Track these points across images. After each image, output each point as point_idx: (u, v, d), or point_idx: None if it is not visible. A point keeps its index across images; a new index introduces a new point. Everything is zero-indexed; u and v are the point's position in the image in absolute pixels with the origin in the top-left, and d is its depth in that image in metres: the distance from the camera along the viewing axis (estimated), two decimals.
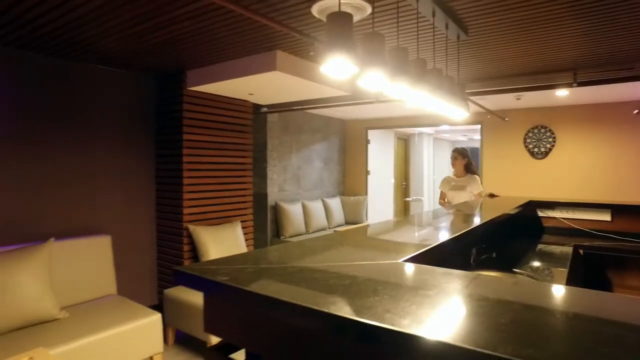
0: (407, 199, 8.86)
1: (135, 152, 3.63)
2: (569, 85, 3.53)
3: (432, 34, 2.45)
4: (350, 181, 7.36)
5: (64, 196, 3.20)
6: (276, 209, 5.55)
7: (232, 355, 1.12)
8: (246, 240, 4.06)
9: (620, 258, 2.80)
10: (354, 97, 4.17)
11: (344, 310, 0.79)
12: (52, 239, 2.86)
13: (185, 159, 3.54)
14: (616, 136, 5.16)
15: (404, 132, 8.87)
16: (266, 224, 5.42)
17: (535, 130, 5.66)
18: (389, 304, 0.82)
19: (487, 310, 0.79)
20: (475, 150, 10.34)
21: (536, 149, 5.66)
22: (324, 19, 2.16)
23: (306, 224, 5.90)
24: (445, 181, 4.45)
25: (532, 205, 3.48)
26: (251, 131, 4.17)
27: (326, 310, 0.79)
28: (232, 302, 1.03)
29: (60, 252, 2.98)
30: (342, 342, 0.82)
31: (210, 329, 1.12)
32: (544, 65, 3.31)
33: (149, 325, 2.82)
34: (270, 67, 2.86)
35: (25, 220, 3.01)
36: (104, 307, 2.96)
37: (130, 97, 3.58)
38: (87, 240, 3.18)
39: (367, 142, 7.25)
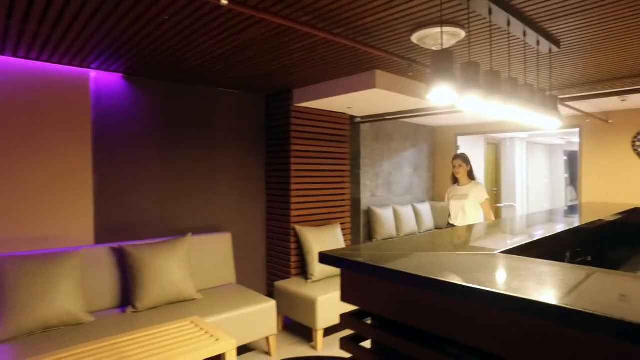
0: (499, 204, 8.67)
1: (248, 162, 4.20)
2: None
3: (523, 50, 2.62)
4: (439, 187, 7.46)
5: (194, 199, 3.83)
6: (369, 213, 5.89)
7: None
8: (345, 241, 4.44)
9: None
10: (446, 107, 4.37)
11: (455, 279, 1.10)
12: (190, 234, 3.49)
13: (292, 167, 4.03)
14: None
15: (495, 137, 8.71)
16: (359, 227, 5.77)
17: None
18: (488, 277, 1.11)
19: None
20: (574, 154, 9.77)
21: None
22: (421, 45, 2.46)
23: (397, 228, 6.15)
24: (448, 193, 4.20)
25: (638, 213, 3.41)
26: (348, 141, 4.58)
27: (442, 279, 1.10)
28: (367, 276, 1.38)
29: (194, 245, 3.59)
30: (451, 304, 1.12)
31: (345, 298, 1.48)
32: None
33: (266, 310, 3.30)
34: (370, 85, 3.21)
35: (167, 218, 3.67)
36: (228, 293, 3.51)
37: (244, 114, 4.17)
38: (212, 236, 3.78)
39: (457, 148, 7.30)
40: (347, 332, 1.46)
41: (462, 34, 2.29)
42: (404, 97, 3.46)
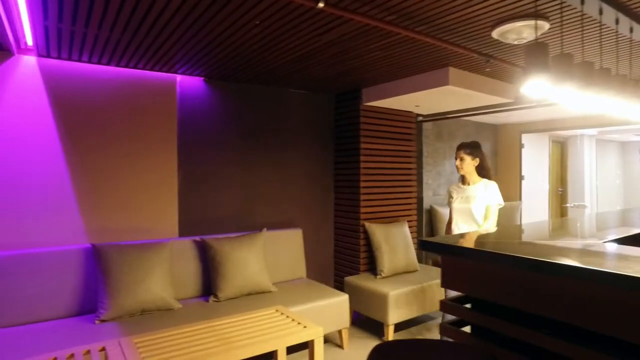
0: (567, 204, 8.29)
1: (317, 160, 4.33)
2: None
3: (615, 38, 2.55)
4: (501, 186, 7.25)
5: (267, 195, 4.00)
6: (431, 212, 5.85)
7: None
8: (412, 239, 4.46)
9: None
10: (517, 103, 4.28)
11: (566, 261, 1.13)
12: (265, 229, 3.66)
13: (362, 165, 4.11)
14: None
15: (560, 134, 8.34)
16: (422, 224, 5.75)
17: None
18: (596, 260, 1.13)
19: None
20: None
21: None
22: (502, 39, 2.45)
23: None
24: (449, 193, 3.40)
25: None
26: (415, 139, 4.59)
27: (553, 261, 1.13)
28: (472, 261, 1.43)
29: (267, 239, 3.75)
30: (560, 285, 1.15)
31: (446, 284, 1.53)
32: None
33: (339, 304, 3.39)
34: (443, 82, 3.23)
35: (243, 214, 3.87)
36: (300, 286, 3.64)
37: (313, 113, 4.30)
38: (285, 232, 3.92)
39: (521, 146, 7.08)
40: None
41: (547, 26, 2.27)
42: (475, 93, 3.44)
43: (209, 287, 3.39)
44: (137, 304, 2.88)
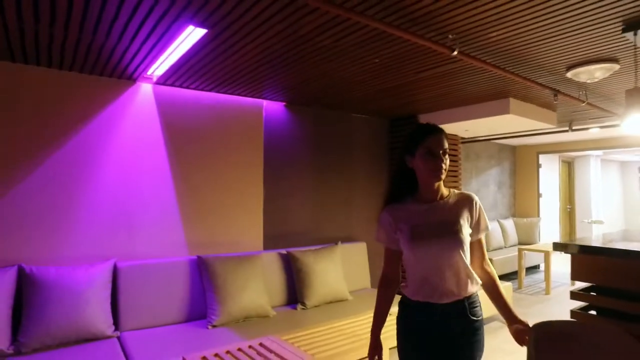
0: (585, 220, 8.77)
1: (375, 179, 4.71)
2: None
3: None
4: (520, 203, 7.73)
5: (334, 212, 4.36)
6: None
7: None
8: None
9: None
10: (554, 128, 4.73)
11: None
12: (340, 242, 4.00)
13: None
14: None
15: (569, 155, 8.90)
16: None
17: None
18: None
19: None
20: None
21: None
22: (575, 78, 2.89)
23: (486, 243, 6.47)
24: (388, 216, 1.68)
25: None
26: (459, 159, 5.02)
27: None
28: (596, 256, 1.81)
29: (340, 252, 4.09)
30: None
31: (576, 277, 1.91)
32: None
33: None
34: (505, 110, 3.66)
35: (316, 229, 4.21)
36: (371, 295, 3.96)
37: (371, 135, 4.70)
38: (353, 245, 4.27)
39: (539, 166, 7.59)
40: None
41: (616, 66, 2.71)
42: (529, 121, 3.89)
43: (293, 295, 3.68)
44: (242, 311, 3.16)
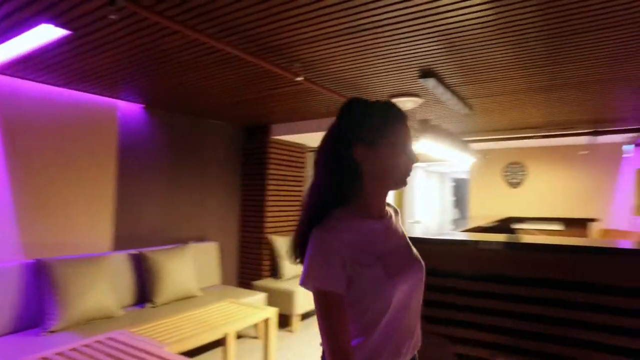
0: (410, 220, 10.32)
1: (228, 182, 4.97)
2: (539, 137, 5.11)
3: (450, 110, 3.94)
4: None
5: (188, 213, 4.49)
6: None
7: None
8: None
9: None
10: None
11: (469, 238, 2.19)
12: (192, 242, 4.16)
13: (268, 187, 4.94)
14: (568, 169, 6.77)
15: None
16: None
17: (511, 166, 7.26)
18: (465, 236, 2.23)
19: None
20: (460, 181, 11.96)
21: (513, 180, 7.24)
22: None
23: None
24: (338, 244, 1.02)
25: (508, 221, 4.97)
26: (305, 166, 5.59)
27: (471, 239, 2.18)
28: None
29: (192, 251, 4.24)
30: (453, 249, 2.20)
31: None
32: (523, 123, 4.88)
33: (260, 299, 4.10)
34: None
35: (169, 229, 4.28)
36: (221, 290, 4.23)
37: (226, 141, 4.94)
38: (204, 245, 4.46)
39: None
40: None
41: (421, 101, 3.49)
42: None
43: (144, 295, 3.72)
44: (85, 313, 3.09)
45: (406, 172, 1.11)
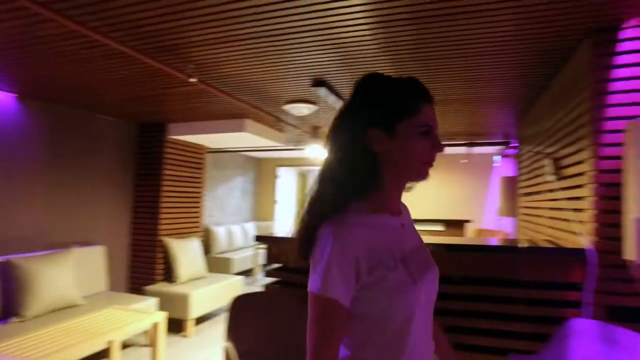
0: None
1: (119, 183, 4.67)
2: None
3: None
4: (260, 209, 8.82)
5: (72, 215, 4.14)
6: (207, 231, 6.77)
7: None
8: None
9: None
10: (283, 146, 5.71)
11: None
12: (75, 247, 3.84)
13: (163, 188, 4.73)
14: (451, 176, 7.53)
15: (302, 168, 10.70)
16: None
17: None
18: None
19: None
20: None
21: (408, 185, 7.81)
22: (289, 111, 3.71)
23: (229, 243, 7.18)
24: (360, 243, 0.89)
25: None
26: (204, 167, 5.47)
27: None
28: (280, 244, 2.50)
29: (75, 256, 3.91)
30: None
31: (270, 261, 2.55)
32: None
33: (151, 304, 3.92)
34: (241, 129, 4.30)
35: (49, 233, 3.91)
36: (107, 297, 3.97)
37: (118, 139, 4.65)
38: (90, 249, 4.15)
39: (276, 177, 8.84)
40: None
41: (315, 107, 3.65)
42: (263, 139, 4.66)
43: (7, 309, 3.29)
44: None
45: (429, 163, 0.96)
